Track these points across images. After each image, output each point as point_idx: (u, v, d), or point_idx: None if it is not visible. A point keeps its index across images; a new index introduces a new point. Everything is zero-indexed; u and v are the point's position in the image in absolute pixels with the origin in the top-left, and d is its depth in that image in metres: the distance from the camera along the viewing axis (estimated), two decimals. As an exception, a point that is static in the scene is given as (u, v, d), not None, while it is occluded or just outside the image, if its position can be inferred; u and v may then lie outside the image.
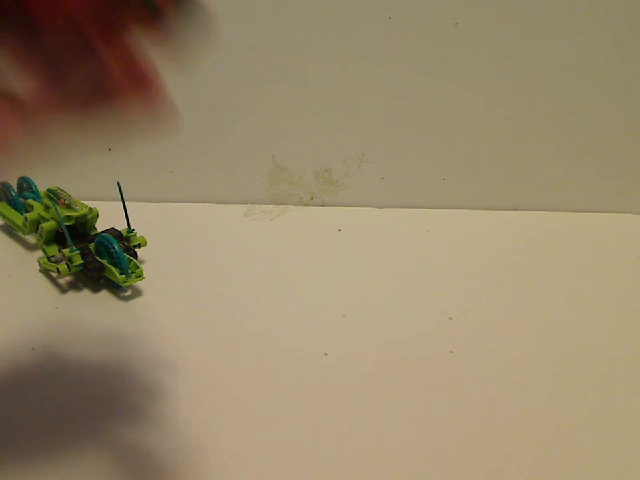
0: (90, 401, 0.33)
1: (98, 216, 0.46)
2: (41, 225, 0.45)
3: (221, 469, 0.30)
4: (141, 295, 0.43)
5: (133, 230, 0.45)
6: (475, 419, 0.34)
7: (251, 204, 0.58)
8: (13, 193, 0.49)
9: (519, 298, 0.46)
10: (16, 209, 0.49)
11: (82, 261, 0.42)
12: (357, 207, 0.59)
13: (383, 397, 0.35)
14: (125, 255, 0.41)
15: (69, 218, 0.43)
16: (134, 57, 0.16)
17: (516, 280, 0.48)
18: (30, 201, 0.47)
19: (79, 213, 0.44)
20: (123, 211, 0.44)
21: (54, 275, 0.44)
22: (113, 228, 0.45)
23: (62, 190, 0.46)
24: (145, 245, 0.46)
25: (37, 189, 0.49)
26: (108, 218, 0.46)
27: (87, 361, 0.36)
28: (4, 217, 0.49)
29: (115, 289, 0.43)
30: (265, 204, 0.59)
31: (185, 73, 0.17)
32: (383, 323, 0.42)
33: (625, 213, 0.59)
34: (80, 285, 0.44)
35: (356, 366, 0.38)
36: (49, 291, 0.43)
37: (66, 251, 0.41)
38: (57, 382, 0.35)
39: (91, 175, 0.54)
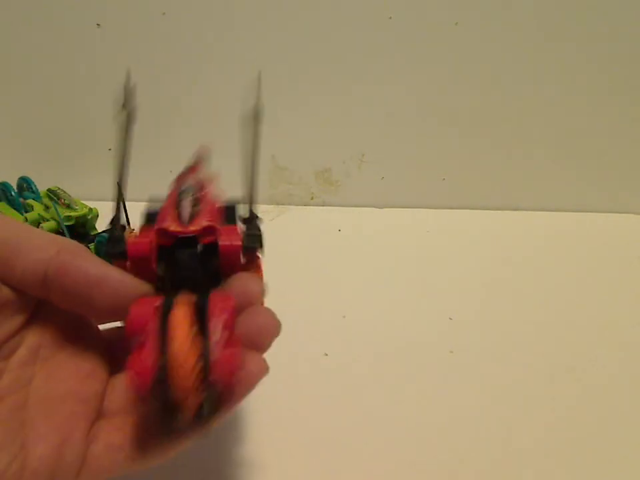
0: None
1: (98, 216, 0.46)
2: (41, 224, 0.44)
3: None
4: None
5: (133, 230, 0.45)
6: (475, 419, 0.34)
7: (251, 204, 0.58)
8: (12, 193, 0.49)
9: (519, 298, 0.46)
10: (16, 209, 0.49)
11: (82, 261, 0.41)
12: (357, 206, 0.59)
13: (383, 396, 0.35)
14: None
15: (68, 218, 0.43)
16: None
17: (516, 280, 0.48)
18: (30, 201, 0.47)
19: (79, 213, 0.43)
20: (123, 210, 0.44)
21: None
22: (112, 228, 0.45)
23: (62, 190, 0.46)
24: (145, 245, 0.46)
25: (37, 189, 0.49)
26: (108, 218, 0.46)
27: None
28: (4, 217, 0.49)
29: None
30: (264, 204, 0.59)
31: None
32: (383, 323, 0.42)
33: (624, 212, 0.59)
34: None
35: (356, 366, 0.38)
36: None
37: (66, 251, 0.41)
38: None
39: (91, 175, 0.54)
